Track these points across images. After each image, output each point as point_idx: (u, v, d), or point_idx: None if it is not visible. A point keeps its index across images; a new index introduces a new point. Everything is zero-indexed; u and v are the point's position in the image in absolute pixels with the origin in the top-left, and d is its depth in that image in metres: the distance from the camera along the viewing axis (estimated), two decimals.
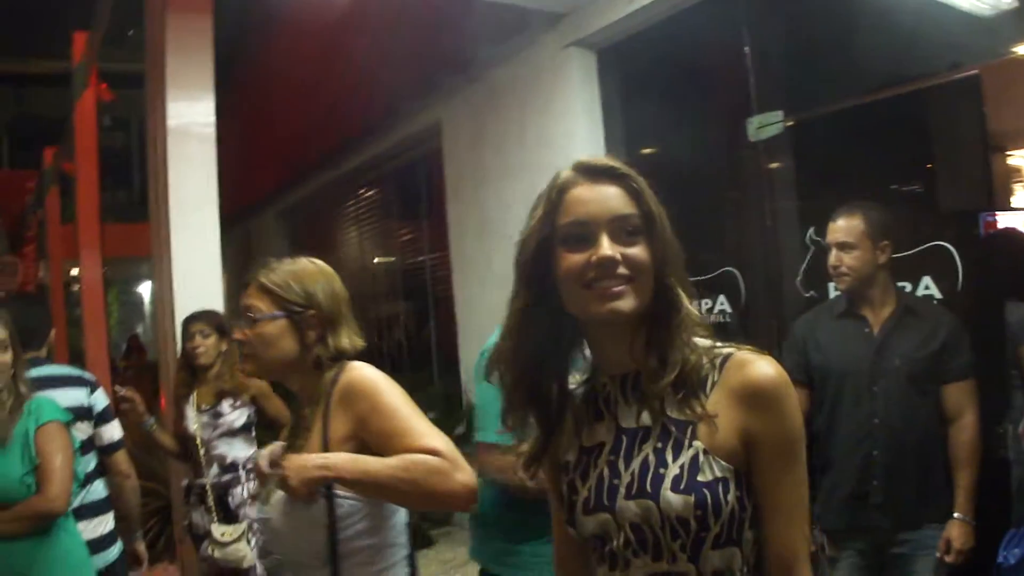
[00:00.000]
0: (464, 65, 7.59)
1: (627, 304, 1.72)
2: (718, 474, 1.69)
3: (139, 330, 28.02)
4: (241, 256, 12.44)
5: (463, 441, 8.05)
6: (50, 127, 19.40)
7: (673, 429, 1.73)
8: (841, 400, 3.93)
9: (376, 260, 11.86)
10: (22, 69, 21.44)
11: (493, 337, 2.03)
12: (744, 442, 1.71)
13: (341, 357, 2.66)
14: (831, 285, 4.45)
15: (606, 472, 1.80)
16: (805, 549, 1.74)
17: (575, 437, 1.90)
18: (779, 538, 1.74)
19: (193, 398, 5.23)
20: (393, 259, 11.12)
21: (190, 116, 5.49)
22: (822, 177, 5.43)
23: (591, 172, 1.78)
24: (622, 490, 1.76)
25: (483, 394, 3.17)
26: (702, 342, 1.79)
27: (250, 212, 13.66)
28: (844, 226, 4.01)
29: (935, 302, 4.55)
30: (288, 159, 11.86)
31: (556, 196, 1.78)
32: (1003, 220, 4.62)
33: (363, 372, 2.58)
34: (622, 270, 1.71)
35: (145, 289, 30.83)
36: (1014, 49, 4.77)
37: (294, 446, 2.60)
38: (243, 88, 8.91)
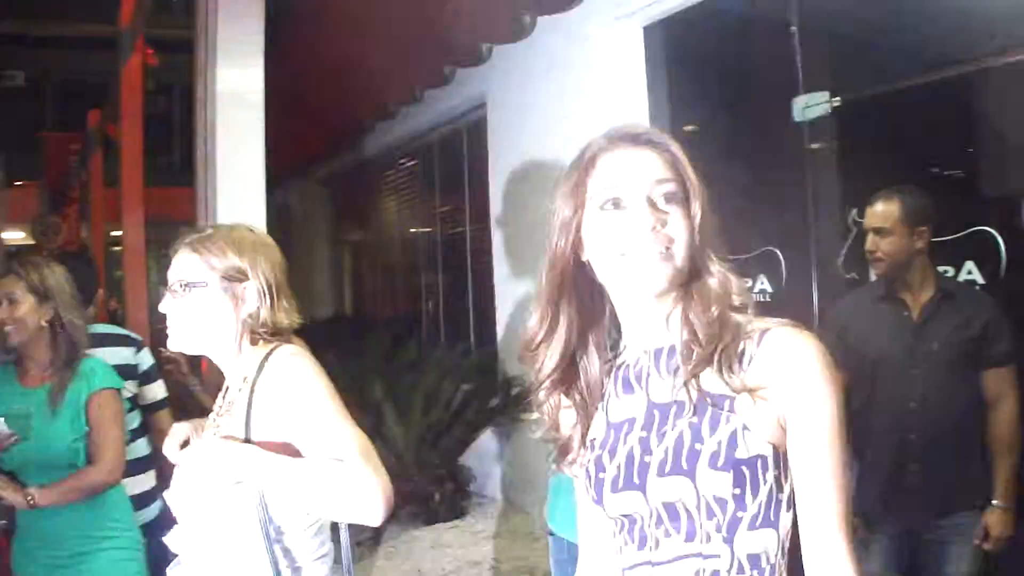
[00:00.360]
0: (511, 37, 7.57)
1: (664, 273, 1.68)
2: (757, 451, 1.62)
3: None
4: (280, 222, 12.47)
5: (497, 413, 8.11)
6: (94, 90, 19.58)
7: (710, 403, 1.66)
8: (878, 384, 3.93)
9: (414, 230, 11.88)
10: (67, 32, 21.60)
11: None
12: (781, 419, 1.64)
13: (278, 332, 2.51)
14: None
15: (637, 449, 1.72)
16: (843, 534, 1.62)
17: (602, 412, 1.83)
18: (813, 521, 1.63)
19: None
20: (431, 230, 11.12)
21: (239, 82, 5.52)
22: (866, 159, 5.40)
23: (627, 138, 1.74)
24: (654, 467, 1.68)
25: None
26: (742, 317, 1.71)
27: (290, 178, 13.70)
28: (881, 211, 4.01)
29: (977, 288, 4.53)
30: (331, 126, 11.87)
31: (589, 162, 1.75)
32: None
33: (294, 359, 2.41)
34: (659, 238, 1.67)
35: None
36: None
37: (217, 425, 2.51)
38: (286, 53, 8.90)
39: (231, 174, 5.49)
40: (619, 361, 1.85)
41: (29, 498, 3.40)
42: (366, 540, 7.44)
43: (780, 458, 1.64)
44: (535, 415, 1.91)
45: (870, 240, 4.05)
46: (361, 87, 10.28)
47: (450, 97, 9.32)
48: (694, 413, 1.66)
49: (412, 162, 11.65)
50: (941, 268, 4.62)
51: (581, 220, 1.75)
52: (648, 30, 6.39)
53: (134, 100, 9.82)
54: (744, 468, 1.61)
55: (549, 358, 1.84)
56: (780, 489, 1.64)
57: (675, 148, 1.73)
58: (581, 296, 1.81)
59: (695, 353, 1.67)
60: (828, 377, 1.64)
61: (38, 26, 20.36)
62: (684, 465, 1.64)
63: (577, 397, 1.85)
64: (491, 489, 8.74)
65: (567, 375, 1.84)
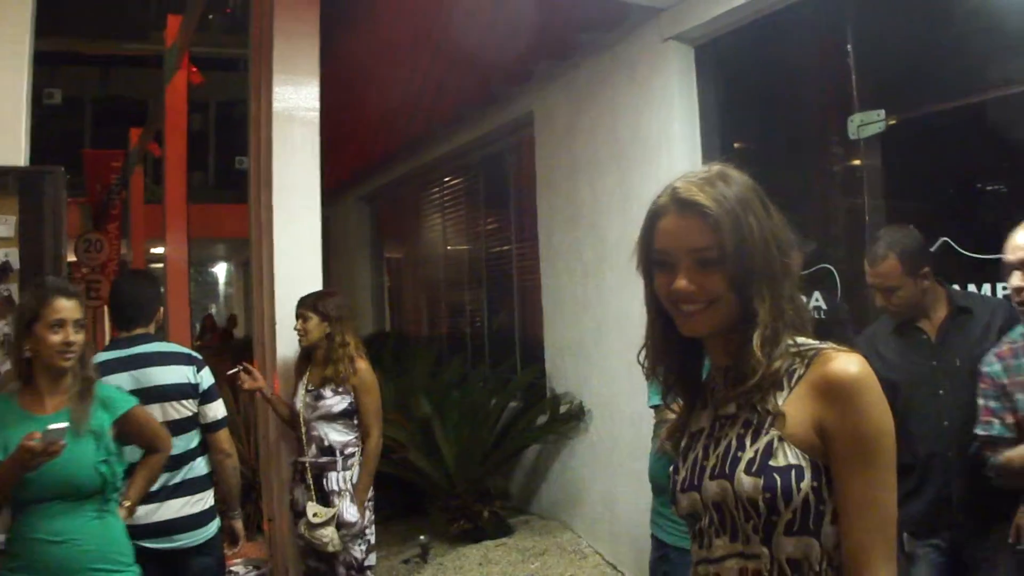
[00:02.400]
0: (560, 54, 7.59)
1: (702, 326, 1.92)
2: (792, 461, 1.81)
3: (212, 310, 28.47)
4: (323, 238, 12.54)
5: (545, 431, 8.12)
6: (134, 107, 19.73)
7: (755, 417, 1.88)
8: (911, 408, 3.95)
9: (459, 247, 11.89)
10: (108, 50, 21.82)
11: None
12: (820, 435, 1.81)
13: None
14: None
15: (700, 454, 1.97)
16: (880, 554, 1.77)
17: (688, 424, 2.08)
18: (850, 537, 1.79)
19: (306, 377, 5.37)
20: (476, 247, 11.14)
21: (295, 100, 5.58)
22: (921, 176, 5.40)
23: (680, 203, 1.91)
24: (708, 471, 1.92)
25: None
26: (802, 340, 1.93)
27: (332, 195, 13.75)
28: (883, 271, 4.08)
29: (996, 296, 4.55)
30: (375, 143, 11.94)
31: (650, 222, 1.97)
32: None
33: None
34: (697, 297, 1.87)
35: (220, 270, 31.31)
36: None
37: None
38: (333, 69, 8.97)
39: (288, 192, 5.55)
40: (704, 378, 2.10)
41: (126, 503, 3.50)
42: (414, 557, 7.45)
43: (821, 472, 1.81)
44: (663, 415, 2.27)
45: (880, 297, 4.15)
46: (408, 104, 10.33)
47: (497, 115, 9.35)
48: (742, 425, 1.90)
49: (457, 179, 11.66)
50: (986, 284, 4.63)
51: (648, 268, 1.99)
52: (701, 49, 6.38)
53: (179, 117, 9.95)
54: (776, 475, 1.80)
55: (666, 368, 2.08)
56: (821, 501, 1.81)
57: (718, 214, 1.86)
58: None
59: (742, 383, 1.90)
60: (865, 398, 1.81)
61: (77, 44, 20.54)
62: (727, 470, 1.87)
63: (687, 392, 2.11)
64: (538, 506, 8.74)
65: (680, 377, 2.09)
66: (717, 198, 1.86)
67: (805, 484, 1.79)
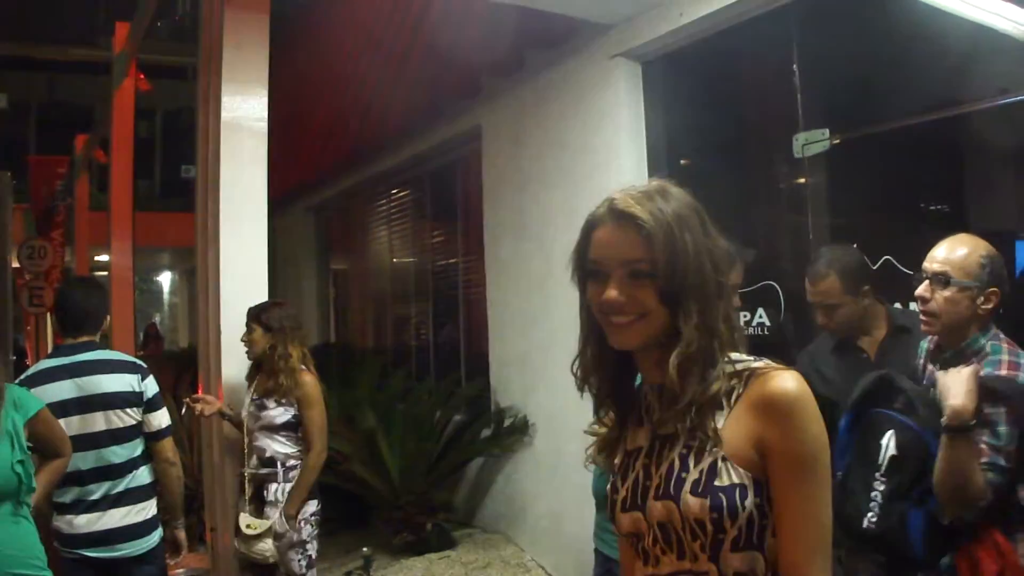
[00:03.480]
0: (509, 70, 7.62)
1: (631, 339, 1.92)
2: (735, 480, 1.83)
3: (156, 319, 28.23)
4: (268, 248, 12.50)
5: (489, 444, 8.12)
6: (80, 113, 19.57)
7: (697, 437, 1.88)
8: None
9: (405, 260, 11.89)
10: (55, 55, 21.65)
11: None
12: (760, 452, 1.84)
13: None
14: None
15: (641, 474, 1.97)
16: (819, 567, 1.82)
17: (623, 442, 2.07)
18: (788, 552, 1.83)
19: (253, 387, 5.35)
20: (423, 260, 11.15)
21: (244, 110, 5.54)
22: (864, 195, 5.48)
23: (616, 215, 1.92)
24: (652, 491, 1.92)
25: None
26: (738, 357, 1.95)
27: (279, 205, 13.69)
28: (823, 289, 4.12)
29: None
30: (323, 154, 11.91)
31: (586, 232, 1.97)
32: None
33: None
34: (627, 309, 1.88)
35: (164, 279, 31.06)
36: None
37: None
38: (282, 79, 8.95)
39: (235, 202, 5.51)
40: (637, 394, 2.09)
41: None
42: (357, 569, 7.43)
43: (763, 488, 1.84)
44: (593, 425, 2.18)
45: (821, 315, 4.18)
46: (356, 116, 10.33)
47: (445, 128, 9.35)
48: (684, 445, 1.91)
49: (405, 192, 11.65)
50: None
51: (582, 277, 1.99)
52: (648, 66, 6.43)
53: (125, 125, 9.87)
54: (722, 495, 1.82)
55: (599, 384, 2.06)
56: (763, 516, 1.84)
57: (654, 228, 1.87)
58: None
59: (675, 404, 1.90)
60: (803, 415, 1.84)
61: (23, 49, 20.38)
62: (672, 491, 1.88)
63: (621, 407, 2.09)
64: (482, 520, 8.74)
65: (614, 391, 2.08)
66: (654, 212, 1.88)
67: (749, 502, 1.82)
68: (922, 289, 3.37)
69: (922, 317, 3.41)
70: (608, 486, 2.07)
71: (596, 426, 2.13)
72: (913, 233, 5.15)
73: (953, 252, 3.35)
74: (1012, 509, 3.26)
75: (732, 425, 1.87)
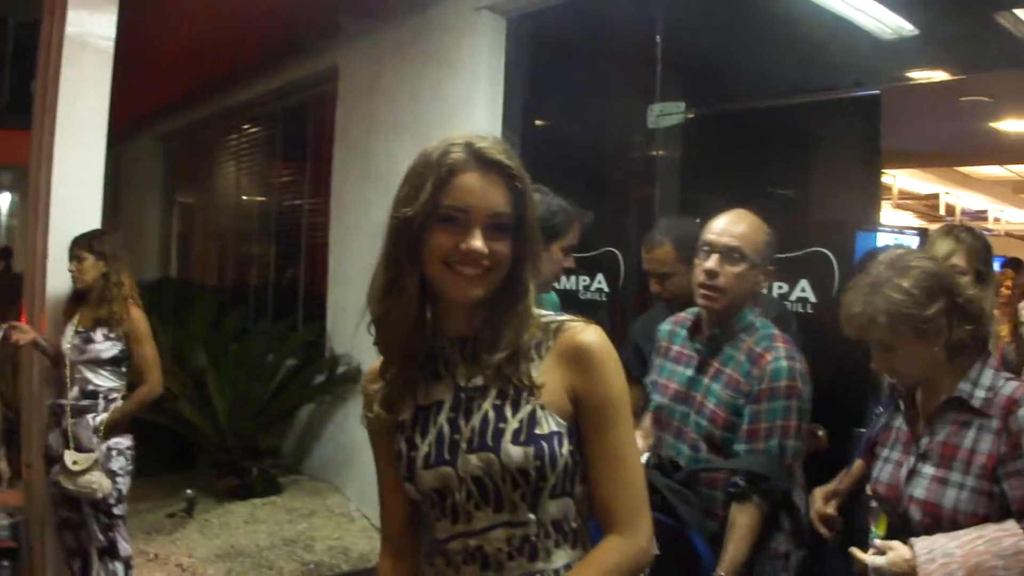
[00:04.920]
0: (370, 10, 7.48)
1: (479, 291, 1.86)
2: (553, 428, 1.87)
3: None
4: (111, 176, 12.18)
5: (321, 391, 8.05)
6: None
7: (510, 388, 1.90)
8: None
9: (251, 198, 11.68)
10: None
11: None
12: (572, 399, 1.90)
13: None
14: None
15: (446, 428, 1.93)
16: (640, 503, 1.92)
17: (411, 397, 2.00)
18: (606, 493, 1.90)
19: (76, 318, 5.15)
20: (269, 199, 10.97)
21: (90, 26, 5.31)
22: (713, 172, 5.51)
23: (483, 162, 1.85)
24: (463, 445, 1.90)
25: None
26: (541, 313, 1.99)
27: (125, 132, 13.29)
28: (657, 257, 4.16)
29: (809, 303, 4.66)
30: (175, 81, 11.57)
31: (446, 174, 1.84)
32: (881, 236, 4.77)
33: None
34: (484, 262, 1.83)
35: (3, 200, 29.99)
36: (910, 75, 4.91)
37: None
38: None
39: (72, 121, 5.28)
40: (427, 348, 2.02)
41: None
42: (180, 511, 7.29)
43: (574, 434, 1.90)
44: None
45: (654, 284, 4.20)
46: (210, 45, 10.04)
47: (301, 65, 9.17)
48: (497, 396, 1.91)
49: (257, 128, 11.42)
50: (779, 284, 4.74)
51: (423, 223, 1.85)
52: (513, 21, 6.36)
53: None
54: (543, 443, 1.85)
55: (392, 338, 1.97)
56: (575, 462, 1.91)
57: (524, 181, 1.89)
58: (416, 284, 1.91)
59: (493, 353, 1.90)
60: (607, 365, 1.92)
61: None
62: (490, 442, 1.87)
63: (411, 364, 2.00)
64: (309, 467, 8.67)
65: (407, 349, 1.99)
66: (518, 165, 1.87)
67: (565, 448, 1.87)
68: (712, 263, 3.23)
69: (704, 292, 3.26)
70: (400, 444, 1.98)
71: (369, 383, 2.06)
72: (759, 215, 5.21)
73: (743, 227, 3.24)
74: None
75: (545, 375, 1.90)
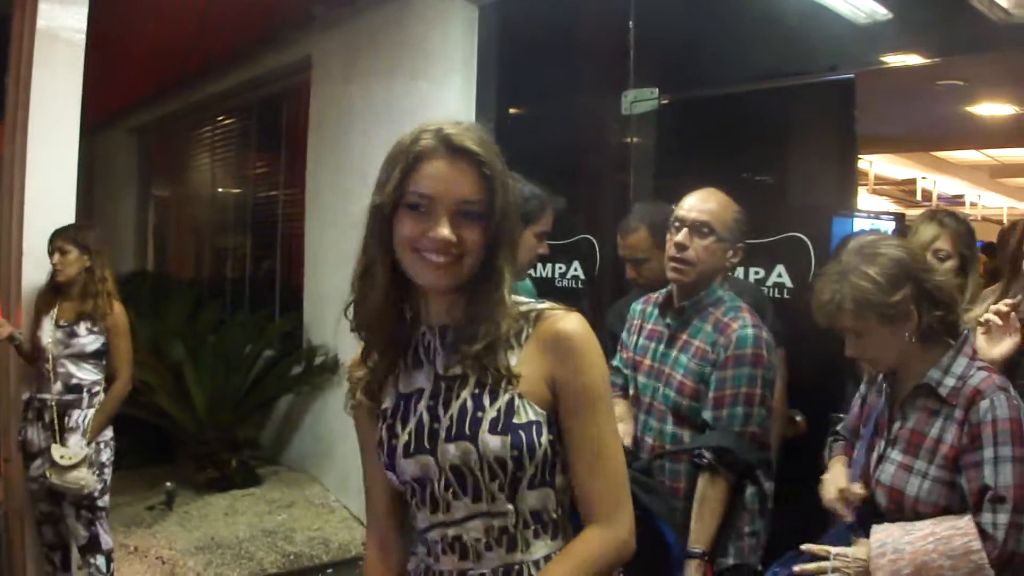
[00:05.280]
0: (343, 1, 7.47)
1: (448, 279, 1.84)
2: (532, 417, 1.85)
3: None
4: (85, 168, 12.11)
5: (299, 382, 8.04)
6: None
7: (488, 377, 1.88)
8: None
9: (227, 190, 11.64)
10: None
11: None
12: (551, 388, 1.88)
13: None
14: None
15: (426, 416, 1.92)
16: (622, 494, 1.90)
17: (392, 384, 2.01)
18: (587, 483, 1.88)
19: (55, 312, 5.13)
20: (244, 191, 10.92)
21: (62, 19, 5.30)
22: (688, 159, 5.52)
23: (452, 149, 1.83)
24: (442, 433, 1.88)
25: None
26: (521, 300, 1.96)
27: (100, 125, 13.21)
28: (632, 242, 4.20)
29: (786, 289, 4.68)
30: (149, 73, 11.50)
31: (413, 161, 1.83)
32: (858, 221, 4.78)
33: None
34: (452, 249, 1.81)
35: None
36: (885, 59, 4.92)
37: None
38: None
39: (45, 115, 5.28)
40: (408, 335, 2.02)
41: None
42: (159, 504, 7.28)
43: (553, 424, 1.89)
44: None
45: (629, 270, 4.22)
46: (183, 36, 9.99)
47: (275, 56, 9.12)
48: (475, 385, 1.89)
49: (232, 119, 11.36)
50: (754, 269, 4.75)
51: (392, 210, 1.85)
52: (485, 9, 6.36)
53: None
54: (521, 432, 1.84)
55: (372, 325, 1.96)
56: (555, 452, 1.89)
57: (493, 168, 1.85)
58: (393, 271, 1.91)
59: (472, 343, 1.87)
60: (589, 353, 1.89)
61: None
62: (468, 431, 1.86)
63: (391, 351, 2.01)
64: (288, 459, 8.66)
65: (387, 337, 1.99)
66: (489, 152, 1.85)
67: (544, 438, 1.85)
68: (682, 237, 3.30)
69: (674, 265, 3.33)
70: (382, 432, 1.98)
71: (354, 370, 2.05)
72: (735, 200, 5.22)
73: (712, 204, 3.32)
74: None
75: (524, 364, 1.89)
